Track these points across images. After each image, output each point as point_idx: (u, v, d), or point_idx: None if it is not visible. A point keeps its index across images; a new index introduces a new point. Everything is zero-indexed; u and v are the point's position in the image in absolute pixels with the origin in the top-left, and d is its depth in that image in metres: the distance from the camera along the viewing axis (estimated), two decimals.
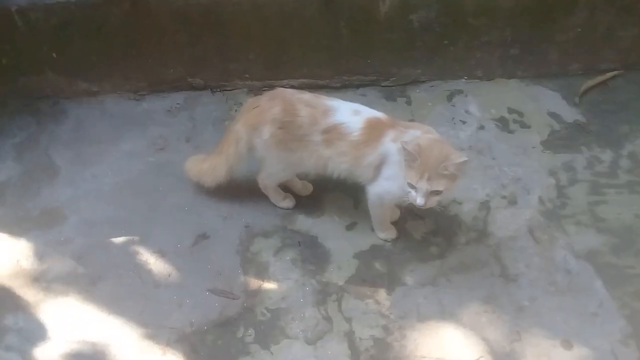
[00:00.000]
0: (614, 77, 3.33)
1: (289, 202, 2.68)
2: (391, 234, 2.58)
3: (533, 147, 2.97)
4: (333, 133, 2.31)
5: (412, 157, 2.10)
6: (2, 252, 2.48)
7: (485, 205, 2.72)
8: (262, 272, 2.46)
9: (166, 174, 2.80)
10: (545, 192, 2.77)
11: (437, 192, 2.13)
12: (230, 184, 2.63)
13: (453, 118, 3.12)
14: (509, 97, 3.24)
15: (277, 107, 2.33)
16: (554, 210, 2.70)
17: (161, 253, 2.51)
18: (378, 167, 2.32)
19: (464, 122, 3.09)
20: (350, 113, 2.31)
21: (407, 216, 2.67)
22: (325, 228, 2.63)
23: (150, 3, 2.81)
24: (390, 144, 2.26)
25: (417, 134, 2.22)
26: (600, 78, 3.30)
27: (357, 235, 2.61)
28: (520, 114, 3.14)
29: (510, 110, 3.16)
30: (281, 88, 2.43)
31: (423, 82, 3.29)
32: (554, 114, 3.14)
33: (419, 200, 2.14)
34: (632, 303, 2.35)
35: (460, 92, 3.26)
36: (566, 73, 3.34)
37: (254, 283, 2.43)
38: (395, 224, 2.62)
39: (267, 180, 2.58)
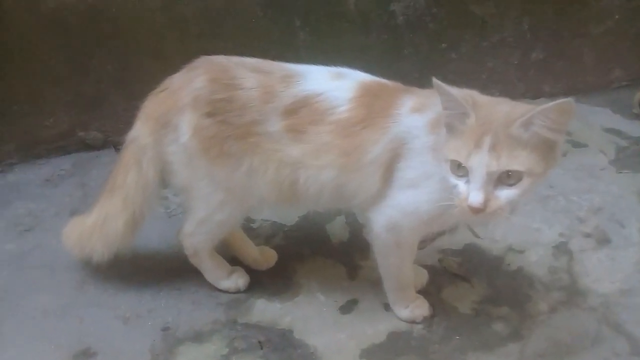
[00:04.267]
0: None
1: (238, 280, 1.66)
2: (421, 309, 1.56)
3: (602, 169, 2.15)
4: (303, 113, 1.39)
5: (460, 112, 1.18)
6: None
7: (562, 250, 1.78)
8: None
9: (31, 265, 1.80)
10: None
11: (512, 177, 1.16)
12: (137, 255, 1.69)
13: None
14: None
15: (200, 78, 1.44)
16: None
17: None
18: (389, 168, 1.37)
19: None
20: (328, 77, 1.43)
21: (441, 279, 1.67)
22: (305, 315, 1.61)
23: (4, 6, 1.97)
24: (411, 118, 1.34)
25: None
26: None
27: (360, 320, 1.59)
28: (568, 134, 2.30)
29: None
30: (208, 56, 1.53)
31: None
32: (612, 130, 2.38)
33: (473, 197, 1.16)
34: None
35: None
36: (608, 85, 2.65)
37: None
38: (424, 293, 1.60)
39: (198, 236, 1.58)
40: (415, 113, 1.34)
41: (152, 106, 1.50)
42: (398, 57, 2.35)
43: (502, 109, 1.20)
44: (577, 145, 2.25)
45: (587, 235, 1.81)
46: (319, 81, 1.41)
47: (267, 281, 1.69)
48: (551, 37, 2.46)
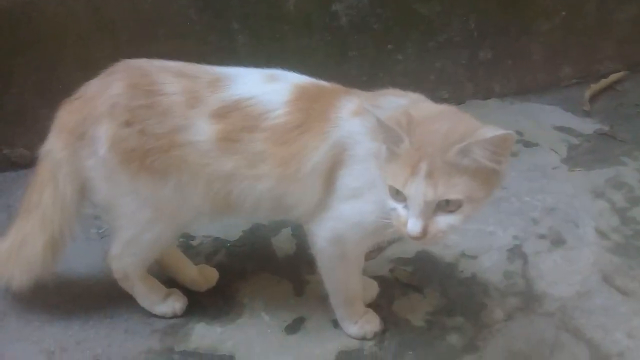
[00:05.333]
0: (619, 80, 2.63)
1: (175, 304, 1.54)
2: (371, 324, 1.47)
3: (554, 168, 2.11)
4: (233, 119, 1.28)
5: (394, 136, 1.10)
6: None
7: (517, 253, 1.72)
8: None
9: None
10: (601, 220, 1.83)
11: (452, 204, 1.10)
12: (63, 281, 1.57)
13: None
14: (494, 117, 2.39)
15: (118, 84, 1.32)
16: (627, 243, 1.73)
17: None
18: (330, 176, 1.28)
19: None
20: (261, 80, 1.33)
21: (392, 291, 1.59)
22: (249, 338, 1.50)
23: None
24: (353, 122, 1.26)
25: (402, 103, 1.23)
26: (605, 81, 2.60)
27: (307, 340, 1.50)
28: (519, 133, 2.27)
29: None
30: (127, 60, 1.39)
31: None
32: (563, 128, 2.34)
33: (412, 225, 1.10)
34: None
35: None
36: (557, 83, 2.62)
37: None
38: (374, 307, 1.52)
39: (126, 258, 1.45)
40: (357, 117, 1.25)
41: (65, 116, 1.38)
42: (344, 59, 2.27)
43: (440, 128, 1.11)
44: (528, 144, 2.20)
45: (542, 237, 1.76)
46: (251, 84, 1.30)
47: (206, 303, 1.58)
48: (499, 35, 2.42)
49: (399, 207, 1.12)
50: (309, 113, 1.27)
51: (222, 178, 1.31)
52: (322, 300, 1.52)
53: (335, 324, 1.50)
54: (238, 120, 1.28)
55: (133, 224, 1.39)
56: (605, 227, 1.79)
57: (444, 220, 1.10)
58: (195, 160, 1.30)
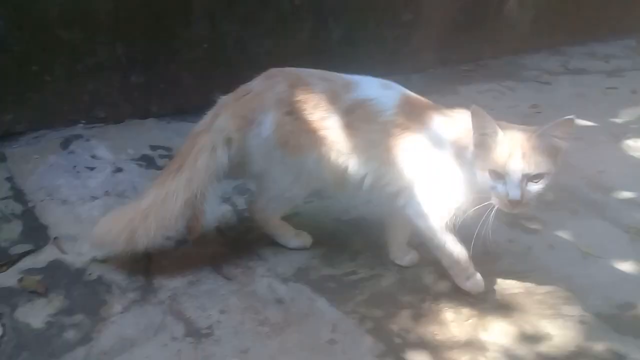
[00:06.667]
0: None
1: (304, 239, 2.06)
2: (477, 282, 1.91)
3: None
4: (359, 112, 1.79)
5: (490, 130, 1.59)
6: None
7: (143, 253, 1.93)
8: None
9: None
10: (223, 220, 2.17)
11: (537, 177, 1.58)
12: None
13: (75, 166, 2.43)
14: (149, 136, 2.71)
15: (281, 85, 1.82)
16: (240, 238, 2.11)
17: None
18: (418, 164, 1.77)
19: (91, 169, 2.42)
20: (379, 86, 1.85)
21: (16, 299, 1.72)
22: None
23: None
24: (441, 132, 1.75)
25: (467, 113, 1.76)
26: None
27: None
28: (168, 149, 2.59)
29: (154, 147, 2.61)
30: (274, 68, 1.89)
31: (21, 133, 2.46)
32: None
33: (513, 193, 1.56)
34: (369, 312, 1.81)
35: (79, 137, 2.57)
36: (212, 104, 2.95)
37: None
38: None
39: (269, 209, 1.97)
40: (443, 129, 1.74)
41: (237, 105, 1.83)
42: None
43: (518, 126, 1.63)
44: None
45: (168, 238, 2.02)
46: (372, 89, 1.81)
47: None
48: (148, 62, 2.69)
49: (499, 185, 1.58)
50: (411, 116, 1.76)
51: (343, 154, 1.79)
52: None
53: None
54: (362, 114, 1.77)
55: (278, 186, 1.88)
56: (224, 226, 2.15)
57: (533, 189, 1.58)
58: (330, 139, 1.79)
